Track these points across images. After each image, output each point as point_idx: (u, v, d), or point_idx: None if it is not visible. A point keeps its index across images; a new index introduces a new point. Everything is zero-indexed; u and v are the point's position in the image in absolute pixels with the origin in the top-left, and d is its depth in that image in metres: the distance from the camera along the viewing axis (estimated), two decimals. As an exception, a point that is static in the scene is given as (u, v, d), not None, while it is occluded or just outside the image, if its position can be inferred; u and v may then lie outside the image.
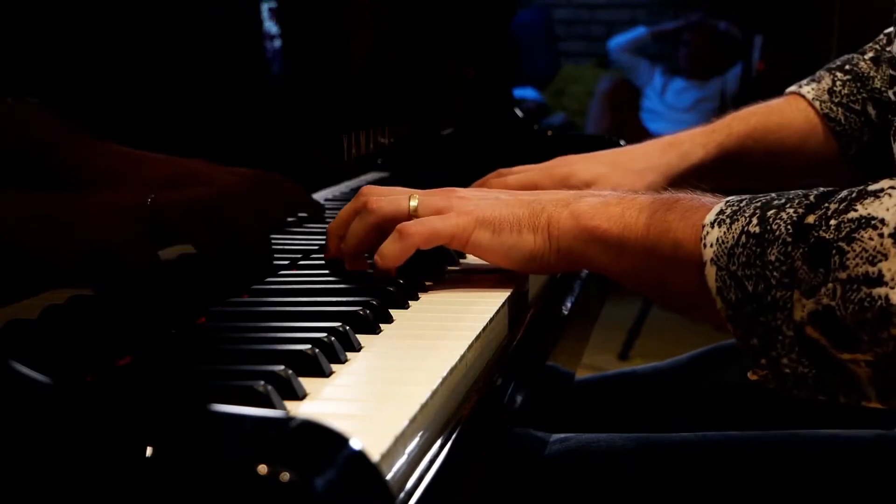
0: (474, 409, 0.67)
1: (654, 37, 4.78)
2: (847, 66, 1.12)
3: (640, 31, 4.83)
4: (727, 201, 0.72)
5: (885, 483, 0.85)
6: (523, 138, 1.73)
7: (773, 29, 4.34)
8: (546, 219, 0.80)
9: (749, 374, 0.70)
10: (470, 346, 0.70)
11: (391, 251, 0.82)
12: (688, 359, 1.15)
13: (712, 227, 0.70)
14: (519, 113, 1.77)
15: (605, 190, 0.87)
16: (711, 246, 0.70)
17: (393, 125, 1.35)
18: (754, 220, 0.68)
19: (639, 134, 4.08)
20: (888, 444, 0.88)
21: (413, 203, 0.84)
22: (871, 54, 1.11)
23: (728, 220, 0.70)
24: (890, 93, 1.02)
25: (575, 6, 5.51)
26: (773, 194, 0.70)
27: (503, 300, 0.81)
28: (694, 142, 1.09)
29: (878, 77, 1.09)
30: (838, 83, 1.10)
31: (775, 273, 0.66)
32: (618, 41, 4.79)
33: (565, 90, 5.10)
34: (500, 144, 1.71)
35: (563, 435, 0.92)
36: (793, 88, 1.14)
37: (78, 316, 0.73)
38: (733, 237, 0.69)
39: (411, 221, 0.82)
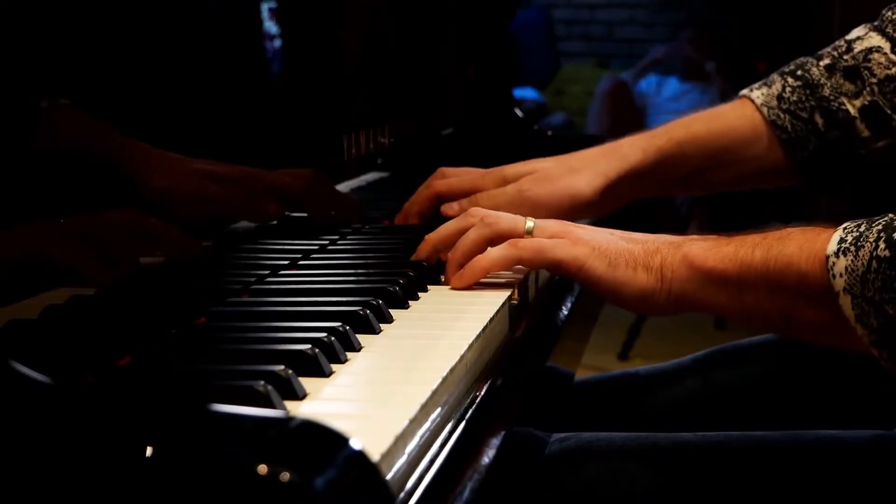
0: (474, 409, 0.67)
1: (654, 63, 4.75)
2: (799, 72, 1.10)
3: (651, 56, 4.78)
4: (844, 228, 0.72)
5: (885, 483, 0.85)
6: (523, 138, 1.73)
7: (773, 28, 4.34)
8: (660, 260, 0.80)
9: None
10: (470, 347, 0.70)
11: (495, 254, 0.83)
12: (690, 360, 1.15)
13: (837, 256, 0.71)
14: (519, 113, 1.77)
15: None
16: (841, 276, 0.70)
17: (393, 125, 1.35)
18: (881, 245, 0.69)
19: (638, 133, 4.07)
20: (888, 444, 0.88)
21: (530, 224, 0.85)
22: (827, 61, 1.10)
23: (853, 248, 0.71)
24: None
25: (575, 6, 5.51)
26: (889, 215, 0.71)
27: (503, 300, 0.81)
28: (633, 146, 1.09)
29: (829, 86, 1.07)
30: (788, 89, 1.09)
31: None
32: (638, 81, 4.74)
33: (565, 90, 5.10)
34: (500, 144, 1.71)
35: (563, 434, 0.92)
36: (745, 91, 1.12)
37: (78, 316, 0.73)
38: (863, 264, 0.70)
39: (525, 239, 0.84)
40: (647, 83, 4.74)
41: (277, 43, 1.11)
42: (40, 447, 0.46)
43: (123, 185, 0.87)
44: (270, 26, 1.10)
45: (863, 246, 0.70)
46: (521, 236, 0.84)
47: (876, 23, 1.09)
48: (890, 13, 1.08)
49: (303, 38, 1.16)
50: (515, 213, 1.03)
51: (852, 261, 0.70)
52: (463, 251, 0.86)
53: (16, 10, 0.76)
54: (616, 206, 1.10)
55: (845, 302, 0.70)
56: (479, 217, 0.87)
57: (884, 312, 0.68)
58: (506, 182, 1.06)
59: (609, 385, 1.16)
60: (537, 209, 1.03)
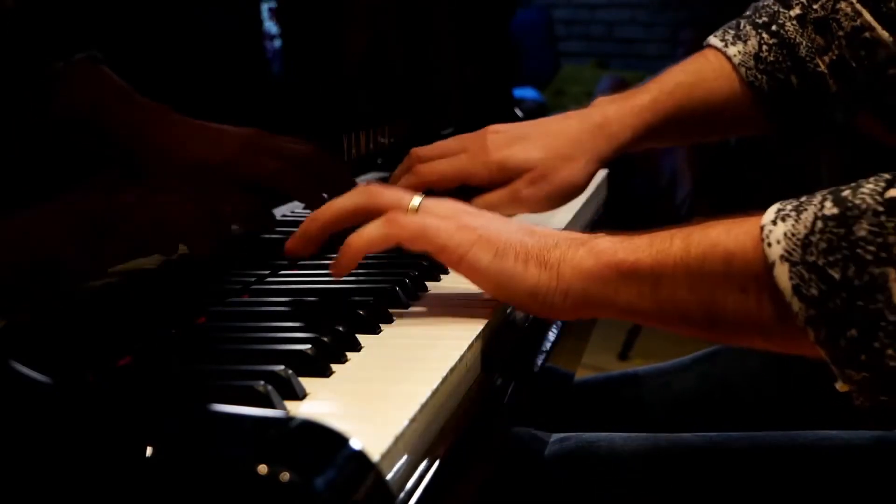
0: (474, 409, 0.67)
1: None
2: (773, 27, 1.07)
3: None
4: (780, 203, 0.66)
5: (886, 484, 0.85)
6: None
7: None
8: (558, 255, 0.73)
9: (838, 386, 0.65)
10: (470, 346, 0.70)
11: (370, 233, 0.75)
12: (690, 360, 1.15)
13: (774, 223, 0.65)
14: (519, 113, 1.77)
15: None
16: (778, 243, 0.64)
17: (393, 125, 1.35)
18: (828, 204, 0.63)
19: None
20: (889, 445, 0.88)
21: (415, 201, 0.77)
22: (797, 10, 1.07)
23: (794, 213, 0.64)
24: None
25: (575, 6, 5.51)
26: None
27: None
28: (623, 123, 1.06)
29: (804, 44, 1.06)
30: (765, 48, 1.07)
31: (870, 248, 0.60)
32: None
33: (565, 90, 5.10)
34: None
35: (562, 434, 0.92)
36: (716, 43, 1.09)
37: (78, 316, 0.73)
38: (805, 227, 0.63)
39: (405, 214, 0.76)
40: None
41: (277, 43, 1.11)
42: (41, 447, 0.46)
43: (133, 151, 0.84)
44: (270, 26, 1.10)
45: (805, 209, 0.64)
46: (403, 209, 0.76)
47: None
48: None
49: (303, 38, 1.16)
50: (515, 213, 1.03)
51: (793, 225, 0.63)
52: (327, 216, 0.78)
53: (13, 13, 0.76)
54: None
55: (781, 272, 0.63)
56: (361, 188, 0.79)
57: (828, 278, 0.61)
58: (502, 173, 1.01)
59: (609, 385, 1.16)
60: (536, 208, 1.02)
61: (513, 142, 1.04)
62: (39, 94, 0.75)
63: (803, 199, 0.65)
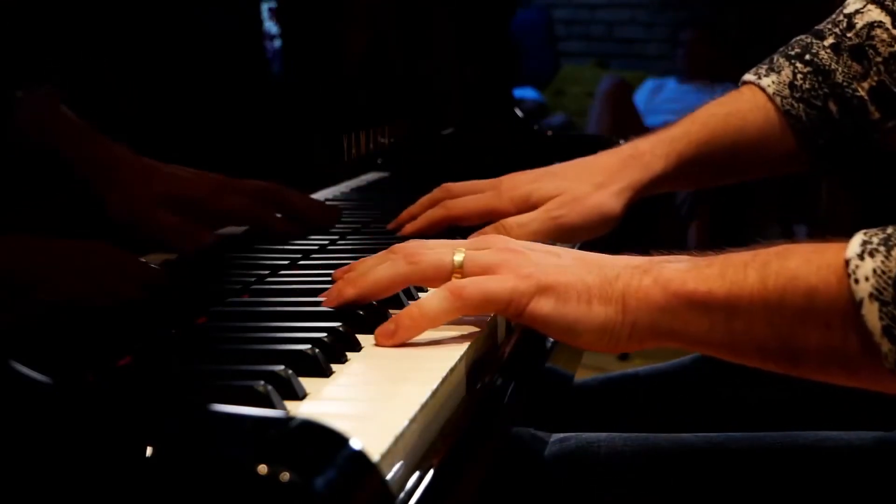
0: (474, 409, 0.67)
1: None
2: (807, 56, 1.07)
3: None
4: (864, 232, 0.63)
5: (886, 485, 0.85)
6: (523, 138, 1.73)
7: (774, 28, 4.34)
8: (622, 287, 0.69)
9: None
10: (470, 346, 0.70)
11: (435, 311, 0.70)
12: (690, 361, 1.15)
13: (861, 258, 0.62)
14: (519, 113, 1.77)
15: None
16: (867, 279, 0.61)
17: (393, 125, 1.35)
18: None
19: (639, 134, 4.08)
20: (890, 446, 0.87)
21: (458, 258, 0.73)
22: (830, 40, 1.07)
23: (883, 248, 0.61)
24: None
25: (575, 6, 5.51)
26: None
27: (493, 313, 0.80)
28: (655, 153, 1.05)
29: (840, 70, 1.05)
30: (799, 76, 1.06)
31: None
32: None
33: (565, 90, 5.10)
34: (500, 144, 1.71)
35: (562, 435, 0.92)
36: (751, 78, 1.09)
37: (78, 316, 0.73)
38: None
39: (464, 281, 0.72)
40: (647, 85, 4.75)
41: (277, 43, 1.11)
42: (41, 447, 0.46)
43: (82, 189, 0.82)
44: (270, 26, 1.10)
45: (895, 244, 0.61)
46: (449, 276, 0.73)
47: None
48: None
49: (303, 38, 1.16)
50: (549, 239, 1.01)
51: (883, 261, 0.61)
52: (369, 287, 0.74)
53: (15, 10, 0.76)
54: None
55: (870, 311, 0.61)
56: (398, 249, 0.76)
57: None
58: (527, 203, 1.00)
59: (609, 385, 1.16)
60: (572, 234, 1.01)
61: (541, 177, 1.04)
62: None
63: (890, 230, 0.63)
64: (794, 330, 0.64)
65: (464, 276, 0.73)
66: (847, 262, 0.62)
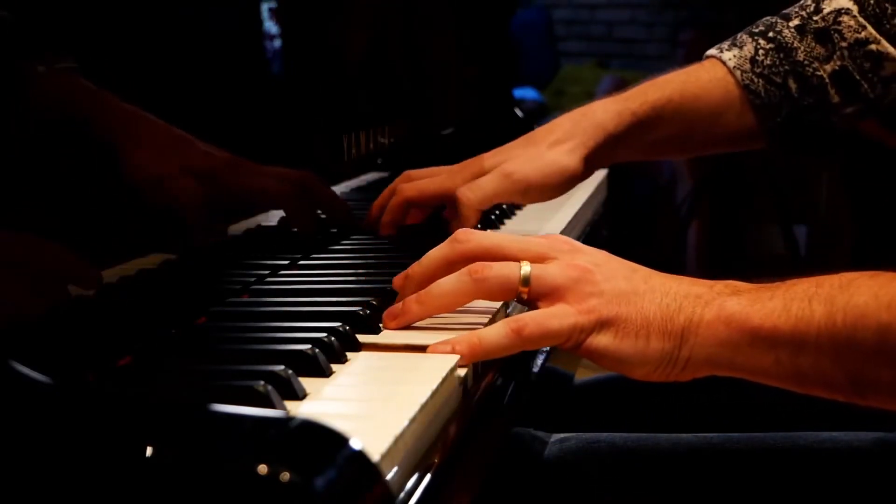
0: (475, 409, 0.67)
1: None
2: (770, 34, 1.06)
3: None
4: None
5: (886, 486, 0.85)
6: (523, 138, 1.73)
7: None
8: (682, 322, 0.69)
9: None
10: (470, 346, 0.70)
11: (497, 345, 0.69)
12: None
13: None
14: (519, 113, 1.77)
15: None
16: None
17: (393, 125, 1.35)
18: None
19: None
20: (889, 447, 0.87)
21: (525, 272, 0.71)
22: (796, 21, 1.06)
23: None
24: None
25: (575, 6, 5.51)
26: None
27: (502, 303, 0.80)
28: (607, 110, 1.04)
29: (802, 49, 1.04)
30: (761, 52, 1.05)
31: None
32: None
33: (565, 90, 5.10)
34: (500, 144, 1.71)
35: (563, 435, 0.92)
36: (713, 52, 1.08)
37: (78, 316, 0.73)
38: None
39: (525, 318, 0.70)
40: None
41: (277, 43, 1.11)
42: (41, 447, 0.46)
43: (104, 154, 0.81)
44: (270, 26, 1.10)
45: None
46: (515, 291, 0.72)
47: None
48: None
49: (303, 38, 1.16)
50: (508, 200, 1.00)
51: None
52: (438, 304, 0.73)
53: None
54: (593, 171, 1.05)
55: None
56: (460, 252, 0.74)
57: None
58: (479, 176, 0.99)
59: (609, 385, 1.16)
60: (529, 191, 0.99)
61: (494, 153, 1.03)
62: (19, 95, 0.74)
63: None
64: (866, 367, 0.64)
65: (530, 294, 0.72)
66: None
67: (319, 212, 1.05)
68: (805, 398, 1.06)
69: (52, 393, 0.49)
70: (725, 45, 1.08)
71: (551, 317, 0.70)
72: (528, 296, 0.72)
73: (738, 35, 1.09)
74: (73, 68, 0.79)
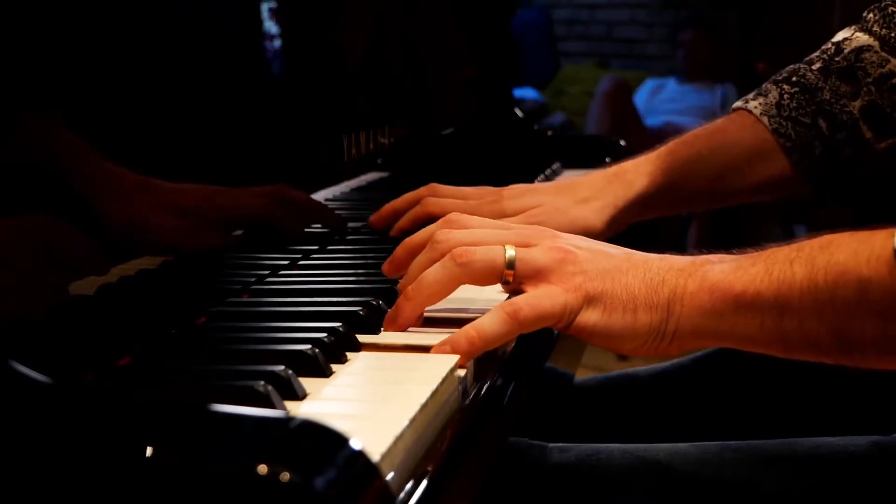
0: (475, 409, 0.67)
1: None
2: (794, 78, 1.07)
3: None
4: None
5: (883, 491, 0.85)
6: (523, 138, 1.73)
7: (774, 28, 4.34)
8: (667, 294, 0.70)
9: None
10: (470, 346, 0.70)
11: (495, 332, 0.69)
12: (690, 361, 1.14)
13: None
14: (519, 113, 1.77)
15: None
16: None
17: (393, 125, 1.35)
18: None
19: (639, 134, 4.10)
20: (886, 451, 0.87)
21: (510, 255, 0.72)
22: (818, 65, 1.07)
23: None
24: None
25: (575, 6, 5.51)
26: None
27: (503, 299, 0.80)
28: (638, 171, 1.05)
29: (828, 88, 1.04)
30: (786, 96, 1.06)
31: None
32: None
33: (565, 90, 5.10)
34: (500, 144, 1.71)
35: (561, 445, 0.91)
36: (739, 104, 1.09)
37: (78, 316, 0.73)
38: None
39: (520, 301, 0.70)
40: (647, 85, 4.75)
41: (277, 43, 1.11)
42: (40, 447, 0.46)
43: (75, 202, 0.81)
44: (270, 26, 1.10)
45: None
46: (501, 274, 0.72)
47: (858, 24, 1.08)
48: (870, 14, 1.07)
49: (303, 38, 1.16)
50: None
51: None
52: (427, 295, 0.73)
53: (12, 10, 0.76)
54: (621, 229, 1.06)
55: None
56: (449, 251, 0.74)
57: None
58: (505, 216, 0.99)
59: (609, 385, 1.16)
60: None
61: (525, 192, 1.04)
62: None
63: None
64: (849, 323, 0.64)
65: (515, 277, 0.72)
66: (895, 251, 0.62)
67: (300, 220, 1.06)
68: (801, 402, 1.06)
69: (52, 393, 0.49)
70: (751, 96, 1.09)
71: (542, 297, 0.71)
72: (513, 279, 0.72)
73: (763, 85, 1.10)
74: (54, 116, 0.79)
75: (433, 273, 0.73)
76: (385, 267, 0.80)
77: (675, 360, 1.16)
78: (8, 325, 0.67)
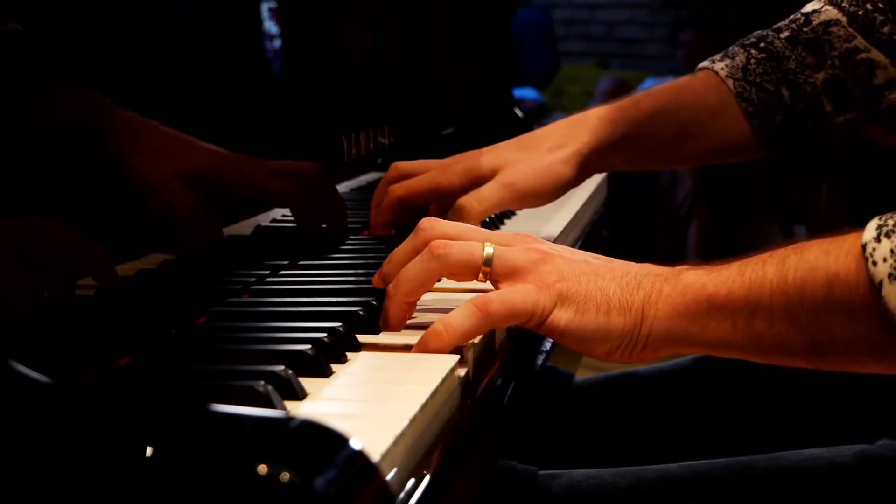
0: (474, 409, 0.67)
1: None
2: (762, 44, 1.06)
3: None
4: (879, 217, 0.62)
5: (871, 500, 0.85)
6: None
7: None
8: (642, 297, 0.69)
9: None
10: (470, 346, 0.70)
11: (463, 327, 0.69)
12: (690, 361, 1.15)
13: (878, 241, 0.61)
14: (519, 113, 1.77)
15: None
16: (885, 261, 0.60)
17: (393, 125, 1.35)
18: None
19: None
20: (871, 462, 0.87)
21: (487, 252, 0.72)
22: (786, 33, 1.06)
23: None
24: None
25: (575, 6, 5.51)
26: None
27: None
28: (601, 117, 1.03)
29: (794, 58, 1.04)
30: (752, 61, 1.05)
31: None
32: None
33: (565, 90, 5.10)
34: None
35: (551, 472, 0.90)
36: (705, 64, 1.08)
37: (78, 316, 0.73)
38: None
39: (489, 296, 0.70)
40: (646, 85, 4.75)
41: (277, 43, 1.11)
42: (40, 447, 0.46)
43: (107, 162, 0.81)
44: (270, 26, 1.10)
45: None
46: (478, 270, 0.72)
47: None
48: None
49: (303, 38, 1.16)
50: (508, 208, 1.01)
51: None
52: (407, 290, 0.73)
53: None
54: (586, 179, 1.05)
55: (890, 292, 0.60)
56: (423, 238, 0.75)
57: None
58: (472, 176, 0.99)
59: (609, 385, 1.16)
60: (529, 199, 1.00)
61: (486, 151, 1.03)
62: (28, 110, 0.74)
63: None
64: (818, 321, 0.63)
65: (492, 274, 0.72)
66: (864, 247, 0.61)
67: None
68: (786, 414, 1.06)
69: (52, 393, 0.49)
70: (717, 56, 1.09)
71: (514, 293, 0.70)
72: (489, 276, 0.72)
73: (730, 47, 1.09)
74: (78, 78, 0.79)
75: (411, 267, 0.73)
76: (375, 279, 0.79)
77: (674, 360, 1.16)
78: (8, 325, 0.67)
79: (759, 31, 1.09)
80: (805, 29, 1.05)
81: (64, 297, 0.73)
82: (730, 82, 1.05)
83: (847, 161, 0.99)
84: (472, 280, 0.74)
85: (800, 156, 1.07)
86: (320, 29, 1.21)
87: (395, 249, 0.77)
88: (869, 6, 1.02)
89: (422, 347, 0.69)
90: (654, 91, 1.08)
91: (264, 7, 1.08)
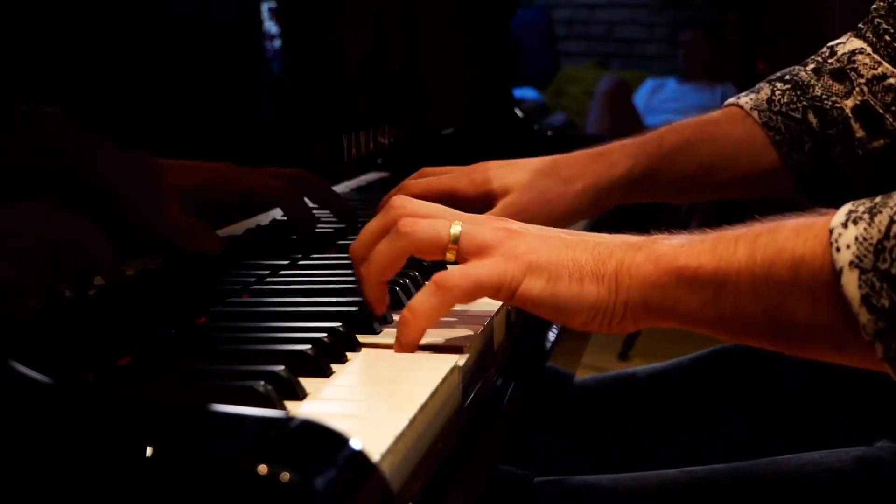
0: (474, 409, 0.67)
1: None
2: (787, 76, 1.07)
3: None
4: (852, 203, 0.61)
5: (871, 502, 0.85)
6: (523, 138, 1.73)
7: (774, 28, 4.34)
8: (614, 265, 0.68)
9: None
10: (469, 346, 0.70)
11: (425, 308, 0.69)
12: (689, 361, 1.15)
13: (845, 227, 0.59)
14: (519, 113, 1.77)
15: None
16: (848, 248, 0.59)
17: (393, 125, 1.35)
18: None
19: (639, 134, 4.09)
20: (870, 464, 0.87)
21: (455, 230, 0.71)
22: (812, 66, 1.07)
23: (867, 215, 0.59)
24: None
25: (575, 6, 5.51)
26: None
27: (500, 303, 0.80)
28: (623, 152, 1.03)
29: (819, 86, 1.04)
30: (777, 92, 1.05)
31: None
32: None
33: (565, 90, 5.10)
34: (500, 144, 1.71)
35: (547, 478, 0.90)
36: (731, 100, 1.08)
37: (78, 316, 0.73)
38: (879, 231, 0.58)
39: (450, 271, 0.70)
40: (646, 85, 4.75)
41: (277, 43, 1.11)
42: (40, 447, 0.46)
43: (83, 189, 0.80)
44: (270, 26, 1.10)
45: (880, 212, 0.59)
46: (445, 248, 0.71)
47: (854, 31, 1.08)
48: (863, 25, 1.07)
49: (303, 38, 1.16)
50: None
51: (865, 228, 0.58)
52: (377, 270, 0.73)
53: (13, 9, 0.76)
54: (602, 212, 1.05)
55: (850, 280, 0.58)
56: (393, 217, 0.74)
57: None
58: (486, 188, 0.99)
59: (609, 385, 1.16)
60: (534, 223, 1.01)
61: (507, 165, 1.02)
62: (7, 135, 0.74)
63: (878, 199, 0.60)
64: (781, 303, 0.62)
65: (459, 252, 0.72)
66: (831, 231, 0.60)
67: (318, 207, 1.05)
68: (785, 415, 1.06)
69: (52, 393, 0.49)
70: (743, 93, 1.08)
71: (479, 266, 0.70)
72: (457, 254, 0.72)
73: (756, 84, 1.09)
74: (56, 112, 0.79)
75: (380, 248, 0.73)
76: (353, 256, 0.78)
77: (674, 360, 1.16)
78: (8, 325, 0.67)
79: (786, 69, 1.09)
80: (830, 60, 1.06)
81: (78, 290, 0.73)
82: (755, 114, 1.05)
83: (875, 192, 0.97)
84: (440, 258, 0.73)
85: (828, 187, 1.06)
86: (320, 29, 1.21)
87: (367, 224, 0.76)
88: (893, 32, 1.03)
89: (398, 344, 0.69)
90: (677, 125, 1.07)
91: (264, 7, 1.08)
